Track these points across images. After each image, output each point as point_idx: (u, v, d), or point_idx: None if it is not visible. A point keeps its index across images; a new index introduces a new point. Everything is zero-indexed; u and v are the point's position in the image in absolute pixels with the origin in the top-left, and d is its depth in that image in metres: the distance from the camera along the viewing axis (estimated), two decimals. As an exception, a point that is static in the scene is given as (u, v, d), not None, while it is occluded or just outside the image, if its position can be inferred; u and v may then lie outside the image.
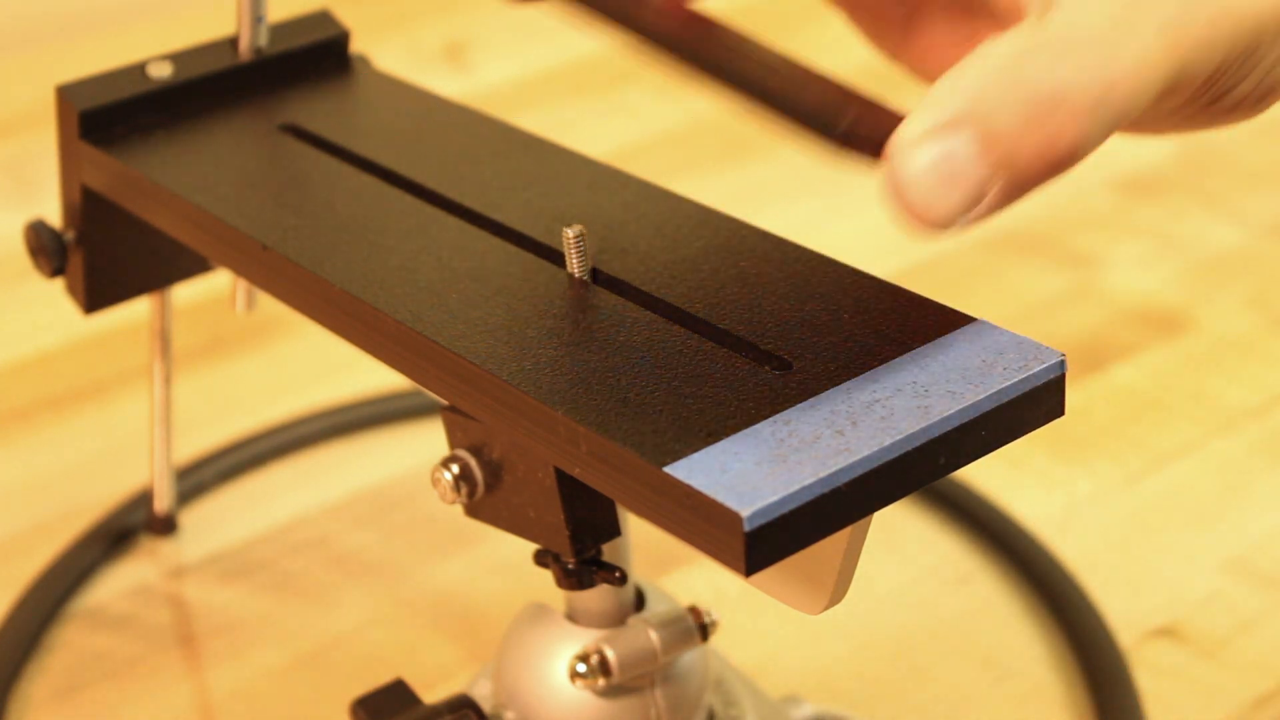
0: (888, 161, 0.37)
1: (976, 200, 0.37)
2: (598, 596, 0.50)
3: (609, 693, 0.50)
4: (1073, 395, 0.63)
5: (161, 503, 0.70)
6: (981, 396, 0.39)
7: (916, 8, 0.48)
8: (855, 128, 0.38)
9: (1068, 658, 0.64)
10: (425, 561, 0.70)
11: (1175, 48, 0.38)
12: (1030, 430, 0.40)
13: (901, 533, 0.71)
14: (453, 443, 0.46)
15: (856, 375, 0.40)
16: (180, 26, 0.94)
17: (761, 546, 0.37)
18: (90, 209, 0.58)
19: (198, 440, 0.76)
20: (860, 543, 0.42)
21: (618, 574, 0.47)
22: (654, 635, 0.50)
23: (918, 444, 0.38)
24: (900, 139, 0.37)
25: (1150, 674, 0.63)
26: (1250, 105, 0.42)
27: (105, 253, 0.60)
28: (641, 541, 0.52)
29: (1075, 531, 0.71)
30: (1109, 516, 0.72)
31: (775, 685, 0.60)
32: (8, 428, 0.79)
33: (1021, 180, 0.38)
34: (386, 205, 0.50)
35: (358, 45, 0.61)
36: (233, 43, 0.58)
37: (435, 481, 0.46)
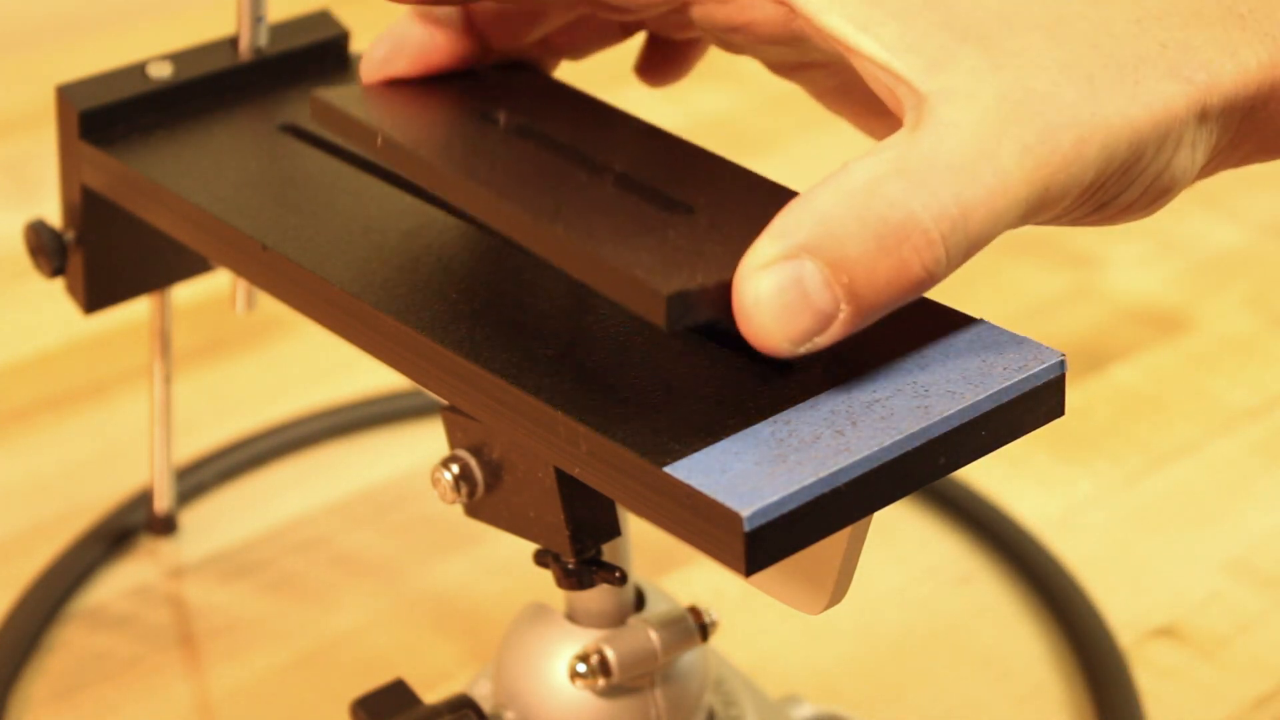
0: (735, 289, 0.38)
1: (824, 326, 0.38)
2: (598, 596, 0.50)
3: (609, 693, 0.50)
4: (1073, 395, 0.62)
5: (161, 503, 0.70)
6: (981, 396, 0.39)
7: (847, 81, 0.49)
8: (689, 305, 0.38)
9: (1068, 658, 0.65)
10: (425, 561, 0.70)
11: (1038, 171, 0.38)
12: (1030, 430, 0.40)
13: (901, 533, 0.71)
14: (453, 443, 0.46)
15: (857, 375, 0.40)
16: (180, 26, 0.94)
17: (761, 546, 0.37)
18: (90, 209, 0.58)
19: (198, 440, 0.76)
20: (860, 543, 0.42)
21: (618, 574, 0.47)
22: (654, 635, 0.50)
23: (918, 444, 0.38)
24: (747, 264, 0.38)
25: (1150, 674, 0.64)
26: (1142, 207, 0.41)
27: (105, 253, 0.60)
28: (641, 541, 0.52)
29: (1075, 531, 0.71)
30: (1109, 516, 0.72)
31: (775, 685, 0.60)
32: (8, 428, 0.79)
33: (871, 306, 0.38)
34: (386, 205, 0.50)
35: (358, 45, 0.61)
36: (233, 43, 0.58)
37: (435, 481, 0.46)
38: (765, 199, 0.43)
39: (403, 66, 0.49)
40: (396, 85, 0.49)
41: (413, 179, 0.45)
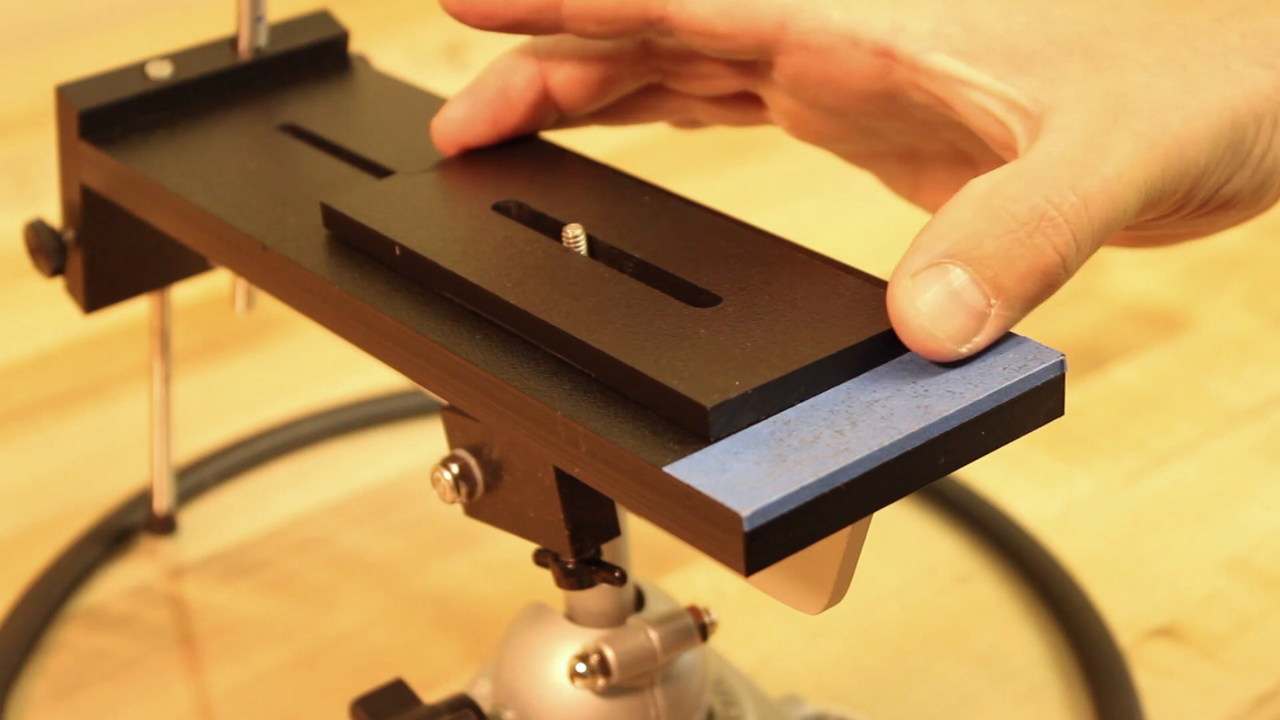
0: (890, 300, 0.40)
1: (979, 324, 0.40)
2: (597, 596, 0.50)
3: (608, 692, 0.50)
4: (1072, 395, 0.62)
5: (161, 502, 0.70)
6: (981, 396, 0.39)
7: (921, 164, 0.51)
8: (732, 413, 0.39)
9: (1068, 658, 0.64)
10: (425, 561, 0.70)
11: (1151, 153, 0.40)
12: (1030, 430, 0.40)
13: (901, 533, 0.71)
14: (452, 442, 0.46)
15: (857, 375, 0.40)
16: (180, 26, 0.94)
17: (761, 546, 0.37)
18: (90, 209, 0.58)
19: (198, 440, 0.76)
20: (860, 543, 0.42)
21: (617, 574, 0.47)
22: (654, 635, 0.50)
23: (918, 444, 0.38)
24: (898, 276, 0.40)
25: (1150, 674, 0.63)
26: (1248, 202, 0.44)
27: (105, 252, 0.60)
28: (641, 541, 0.52)
29: (1075, 531, 0.71)
30: (1109, 516, 0.72)
31: (775, 685, 0.60)
32: (7, 428, 0.79)
33: (1017, 297, 0.40)
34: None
35: (357, 45, 0.61)
36: (232, 42, 0.58)
37: (435, 481, 0.46)
38: (787, 271, 0.43)
39: (480, 130, 0.50)
40: (407, 180, 0.49)
41: (433, 287, 0.45)
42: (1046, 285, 0.40)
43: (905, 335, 0.39)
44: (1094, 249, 0.41)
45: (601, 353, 0.41)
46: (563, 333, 0.42)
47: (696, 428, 0.39)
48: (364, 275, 0.46)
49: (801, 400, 0.39)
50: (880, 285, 0.42)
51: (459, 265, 0.45)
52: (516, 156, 0.50)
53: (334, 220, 0.48)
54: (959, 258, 0.39)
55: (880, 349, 0.41)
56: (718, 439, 0.38)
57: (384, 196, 0.49)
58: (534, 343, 0.43)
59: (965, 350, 0.39)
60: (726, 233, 0.46)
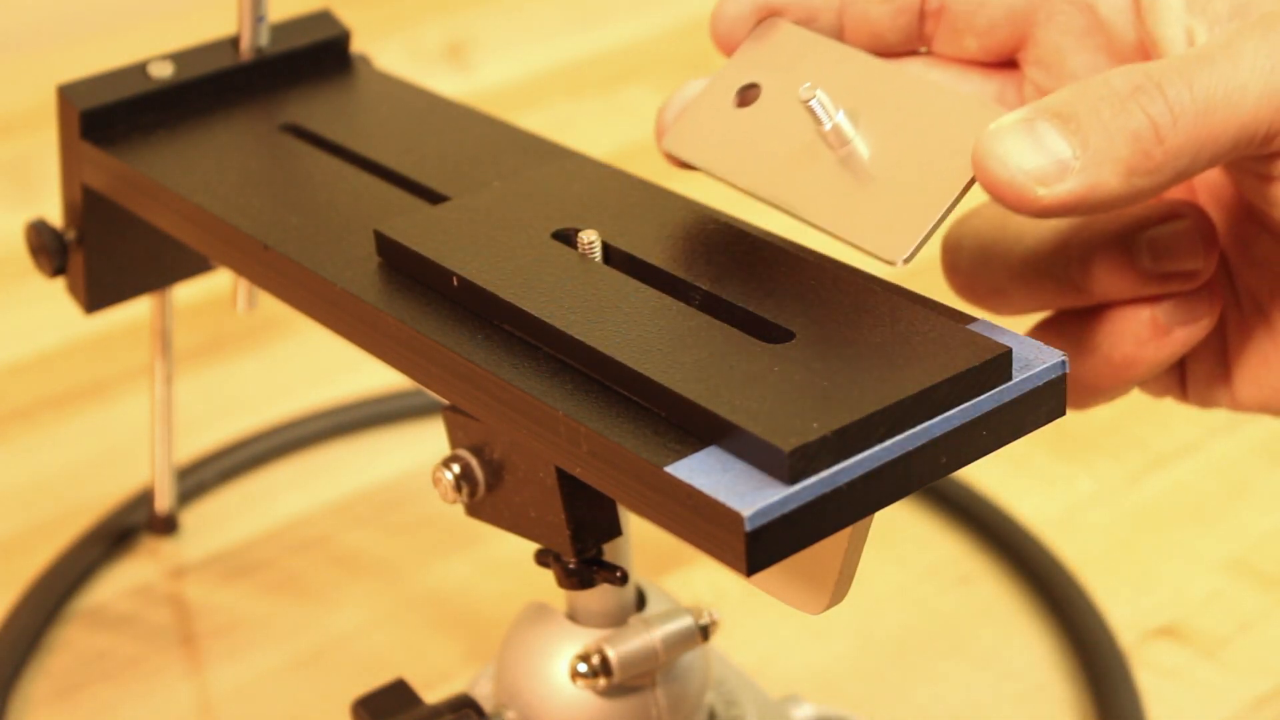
0: (976, 149, 0.40)
1: (1061, 172, 0.39)
2: (599, 596, 0.50)
3: (610, 692, 0.50)
4: (1073, 395, 0.62)
5: (162, 502, 0.70)
6: (982, 396, 0.39)
7: None
8: (810, 456, 0.37)
9: (1068, 658, 0.65)
10: (425, 561, 0.70)
11: None
12: (1031, 430, 0.40)
13: (901, 533, 0.71)
14: (454, 442, 0.46)
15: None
16: (181, 26, 0.94)
17: (762, 546, 0.37)
18: (91, 209, 0.58)
19: (198, 440, 0.76)
20: (861, 543, 0.42)
21: (619, 574, 0.47)
22: (654, 635, 0.50)
23: (918, 444, 0.38)
24: (988, 130, 0.40)
25: (1151, 674, 0.64)
26: None
27: (106, 252, 0.60)
28: (642, 541, 0.52)
29: (1076, 531, 0.71)
30: (1110, 516, 0.72)
31: (775, 685, 0.60)
32: (8, 427, 0.79)
33: (1103, 156, 0.39)
34: (387, 205, 0.50)
35: (358, 45, 0.61)
36: (234, 42, 0.58)
37: (436, 481, 0.46)
38: (862, 304, 0.42)
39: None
40: (463, 206, 0.48)
41: (495, 320, 0.44)
42: (1138, 152, 0.40)
43: (985, 179, 0.40)
44: (1205, 152, 0.40)
45: (671, 391, 0.39)
46: (631, 373, 0.40)
47: (775, 472, 0.37)
48: (365, 275, 0.46)
49: (882, 442, 0.38)
50: (962, 319, 0.41)
51: (519, 298, 0.43)
52: (574, 178, 0.49)
53: (388, 249, 0.46)
54: (1047, 113, 0.40)
55: (966, 388, 0.39)
56: (797, 481, 0.37)
57: (442, 221, 0.47)
58: (596, 377, 0.41)
59: (1044, 194, 0.39)
60: (797, 262, 0.44)
